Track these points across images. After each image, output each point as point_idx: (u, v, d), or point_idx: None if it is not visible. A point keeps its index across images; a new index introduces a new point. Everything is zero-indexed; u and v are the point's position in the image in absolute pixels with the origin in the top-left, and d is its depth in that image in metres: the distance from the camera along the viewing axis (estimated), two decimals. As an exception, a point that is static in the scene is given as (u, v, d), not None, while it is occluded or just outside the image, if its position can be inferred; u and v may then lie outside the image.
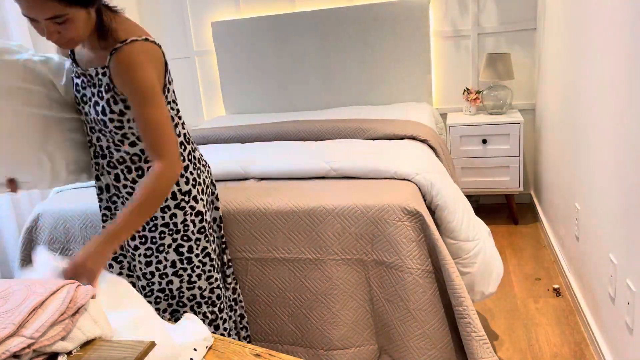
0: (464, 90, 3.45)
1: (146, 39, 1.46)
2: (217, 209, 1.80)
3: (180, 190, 1.60)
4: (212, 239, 1.72)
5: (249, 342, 1.86)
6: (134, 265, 1.68)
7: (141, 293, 1.69)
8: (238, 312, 1.89)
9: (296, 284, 1.90)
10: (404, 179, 2.00)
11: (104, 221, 1.71)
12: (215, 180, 2.20)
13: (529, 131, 3.54)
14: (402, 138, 2.54)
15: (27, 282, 1.31)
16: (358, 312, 1.87)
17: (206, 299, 1.71)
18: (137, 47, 1.43)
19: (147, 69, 1.44)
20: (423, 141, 2.51)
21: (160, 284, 1.66)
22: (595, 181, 1.98)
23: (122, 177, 1.60)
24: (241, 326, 1.91)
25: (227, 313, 1.78)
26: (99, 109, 1.51)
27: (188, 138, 1.65)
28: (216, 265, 1.73)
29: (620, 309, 1.75)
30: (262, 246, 1.91)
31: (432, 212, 1.96)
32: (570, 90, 2.38)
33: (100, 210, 1.70)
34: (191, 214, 1.63)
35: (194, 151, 1.67)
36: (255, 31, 3.70)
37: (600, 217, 1.94)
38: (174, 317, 1.69)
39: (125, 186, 1.61)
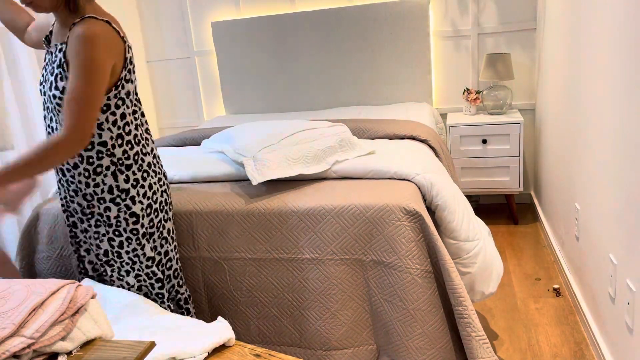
0: (464, 90, 3.45)
1: (108, 22, 1.51)
2: (169, 219, 1.80)
3: (117, 186, 1.64)
4: (151, 241, 1.72)
5: None
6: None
7: (86, 274, 1.78)
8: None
9: (295, 284, 1.90)
10: (404, 179, 2.00)
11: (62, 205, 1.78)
12: (215, 181, 2.20)
13: (529, 131, 3.54)
14: (402, 138, 2.54)
15: (27, 282, 1.31)
16: (357, 312, 1.87)
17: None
18: (97, 25, 1.47)
19: (98, 47, 1.45)
20: (423, 141, 2.51)
21: (95, 270, 1.75)
22: (595, 181, 1.98)
23: (65, 164, 1.65)
24: None
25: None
26: (48, 84, 1.56)
27: (139, 140, 1.67)
28: (150, 266, 1.73)
29: (620, 309, 1.75)
30: (261, 246, 1.91)
31: (432, 212, 1.96)
32: (570, 90, 2.38)
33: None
34: (125, 212, 1.66)
35: (145, 155, 1.69)
36: (255, 31, 3.70)
37: (600, 217, 1.94)
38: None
39: (68, 172, 1.65)
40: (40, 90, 1.62)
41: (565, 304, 2.45)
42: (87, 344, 1.27)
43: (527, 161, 3.61)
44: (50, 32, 1.65)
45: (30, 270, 2.13)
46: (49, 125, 1.64)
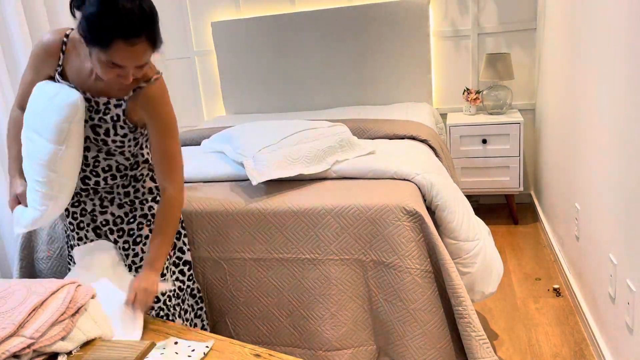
0: (464, 90, 3.45)
1: (158, 72, 1.57)
2: None
3: (156, 187, 1.73)
4: (180, 234, 1.83)
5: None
6: None
7: None
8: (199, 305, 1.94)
9: (294, 284, 1.90)
10: (404, 179, 2.00)
11: (69, 216, 1.75)
12: (215, 181, 2.20)
13: (529, 131, 3.54)
14: (402, 138, 2.54)
15: (27, 282, 1.31)
16: (357, 313, 1.87)
17: (173, 291, 1.79)
18: (163, 84, 1.56)
19: (170, 103, 1.58)
20: (423, 141, 2.51)
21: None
22: (595, 181, 1.99)
23: (102, 183, 1.66)
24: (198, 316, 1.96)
25: (187, 303, 1.87)
26: (101, 130, 1.57)
27: None
28: (178, 259, 1.84)
29: (620, 309, 1.75)
30: (261, 246, 1.91)
31: (432, 212, 1.96)
32: (570, 90, 2.38)
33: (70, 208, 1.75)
34: None
35: None
36: (255, 31, 3.70)
37: (600, 217, 1.94)
38: (149, 313, 1.72)
39: (104, 188, 1.68)
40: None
41: (565, 304, 2.45)
42: (87, 344, 1.27)
43: (527, 161, 3.61)
44: (60, 71, 1.56)
45: (30, 270, 2.13)
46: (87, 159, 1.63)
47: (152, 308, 1.71)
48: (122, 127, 1.57)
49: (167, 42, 3.99)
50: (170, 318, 1.75)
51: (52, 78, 1.58)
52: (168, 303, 1.75)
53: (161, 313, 1.73)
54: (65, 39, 1.54)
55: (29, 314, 1.17)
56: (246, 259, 1.93)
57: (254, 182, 1.92)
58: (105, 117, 1.55)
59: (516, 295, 2.56)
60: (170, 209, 1.58)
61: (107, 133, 1.57)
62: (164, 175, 1.58)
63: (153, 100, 1.53)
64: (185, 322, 1.83)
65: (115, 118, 1.55)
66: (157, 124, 1.55)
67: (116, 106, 1.54)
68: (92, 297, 1.35)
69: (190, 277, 1.87)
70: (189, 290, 1.87)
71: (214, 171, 2.21)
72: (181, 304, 1.82)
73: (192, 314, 1.89)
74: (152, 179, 1.73)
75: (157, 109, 1.54)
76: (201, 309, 1.91)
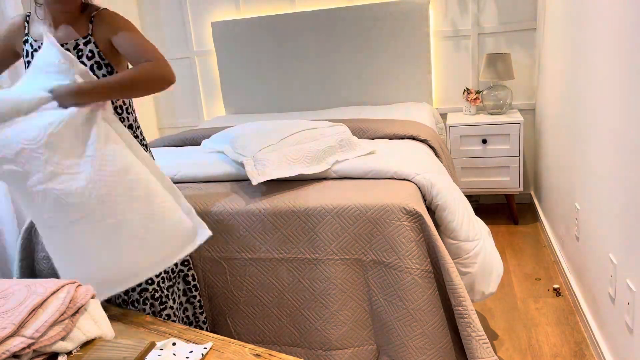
0: (464, 90, 3.45)
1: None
2: None
3: None
4: None
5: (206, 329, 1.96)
6: None
7: None
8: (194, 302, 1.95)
9: (295, 284, 1.90)
10: (404, 179, 2.00)
11: None
12: (215, 181, 2.20)
13: (529, 131, 3.54)
14: (402, 138, 2.54)
15: (27, 282, 1.31)
16: (357, 312, 1.87)
17: (166, 273, 1.82)
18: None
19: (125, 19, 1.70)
20: (423, 141, 2.51)
21: None
22: (595, 181, 1.99)
23: None
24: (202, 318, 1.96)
25: (178, 287, 1.89)
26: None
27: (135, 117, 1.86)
28: None
29: (620, 309, 1.75)
30: (261, 246, 1.91)
31: (432, 212, 1.96)
32: (570, 90, 2.38)
33: None
34: None
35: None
36: (255, 31, 3.70)
37: (600, 217, 1.94)
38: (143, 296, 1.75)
39: None
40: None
41: (565, 304, 2.45)
42: (87, 344, 1.27)
43: (527, 161, 3.61)
44: (25, 34, 1.72)
45: (30, 270, 2.13)
46: None
47: (146, 290, 1.74)
48: (99, 67, 1.66)
49: (167, 42, 3.99)
50: (164, 300, 1.78)
51: (17, 54, 1.75)
52: (162, 285, 1.77)
53: (156, 295, 1.76)
54: (27, 15, 1.74)
55: (29, 314, 1.17)
56: (246, 258, 1.93)
57: (254, 182, 1.92)
58: (81, 59, 1.65)
59: (516, 295, 2.56)
60: (144, 67, 1.59)
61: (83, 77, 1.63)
62: (144, 60, 1.62)
63: (109, 17, 1.66)
64: (176, 306, 1.84)
65: (90, 55, 1.64)
66: (123, 31, 1.64)
67: (85, 43, 1.65)
68: (92, 297, 1.35)
69: (186, 263, 1.88)
70: (181, 274, 1.88)
71: (214, 171, 2.21)
72: (172, 287, 1.84)
73: (184, 299, 1.90)
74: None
75: (119, 23, 1.65)
76: (194, 297, 1.91)
